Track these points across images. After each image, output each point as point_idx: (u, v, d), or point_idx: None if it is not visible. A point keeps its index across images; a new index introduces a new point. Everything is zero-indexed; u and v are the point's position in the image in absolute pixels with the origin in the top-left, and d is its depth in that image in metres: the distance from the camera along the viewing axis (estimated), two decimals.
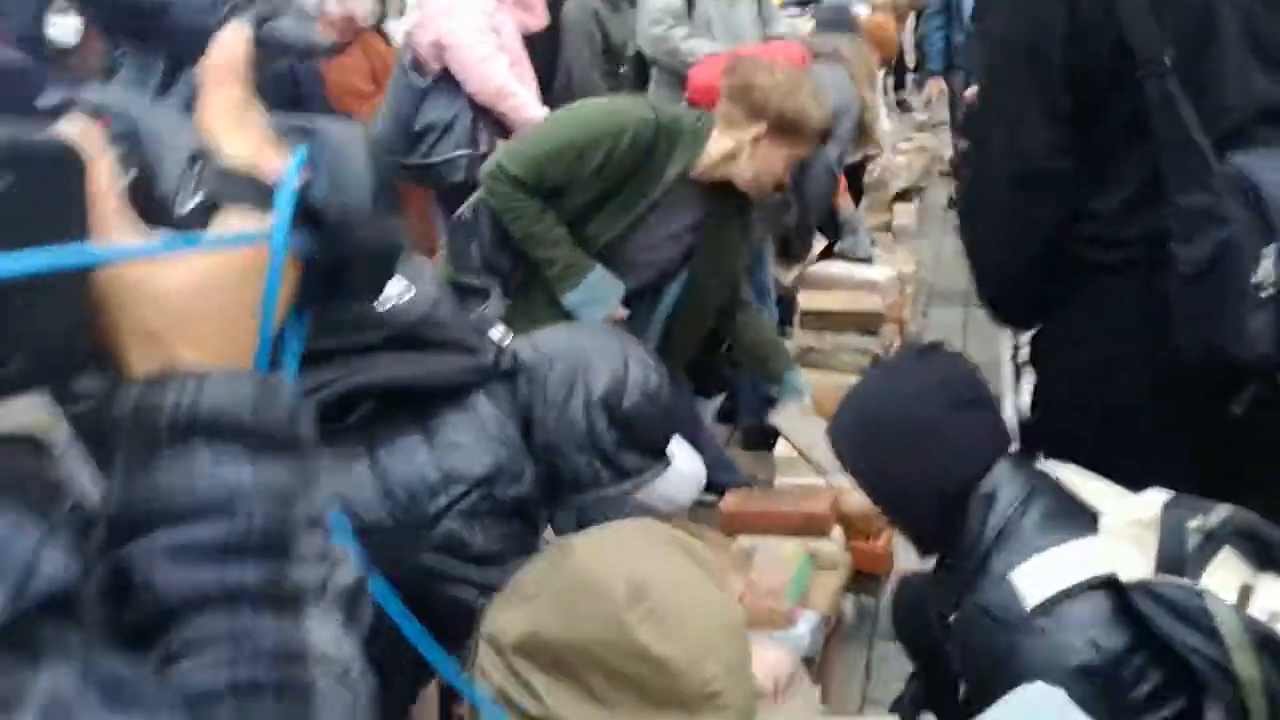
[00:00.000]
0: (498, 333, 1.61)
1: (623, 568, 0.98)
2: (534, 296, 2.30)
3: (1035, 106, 1.55)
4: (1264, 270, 1.44)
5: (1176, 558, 1.35)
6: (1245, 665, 1.25)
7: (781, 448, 2.82)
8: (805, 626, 2.21)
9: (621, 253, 2.35)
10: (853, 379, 3.01)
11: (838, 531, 2.43)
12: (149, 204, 0.48)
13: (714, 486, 2.70)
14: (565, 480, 1.43)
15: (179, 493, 0.47)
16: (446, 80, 3.01)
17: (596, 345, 1.52)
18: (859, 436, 1.61)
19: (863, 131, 3.54)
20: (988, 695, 1.40)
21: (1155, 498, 1.46)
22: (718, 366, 2.86)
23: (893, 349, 3.29)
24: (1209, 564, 1.35)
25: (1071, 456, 1.65)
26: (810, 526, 2.39)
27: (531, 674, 0.98)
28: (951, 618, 1.46)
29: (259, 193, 0.50)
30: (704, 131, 2.32)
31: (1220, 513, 1.40)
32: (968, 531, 1.47)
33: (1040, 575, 1.36)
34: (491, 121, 3.00)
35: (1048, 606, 1.33)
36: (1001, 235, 1.65)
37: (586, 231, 2.32)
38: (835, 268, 3.22)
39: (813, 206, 3.34)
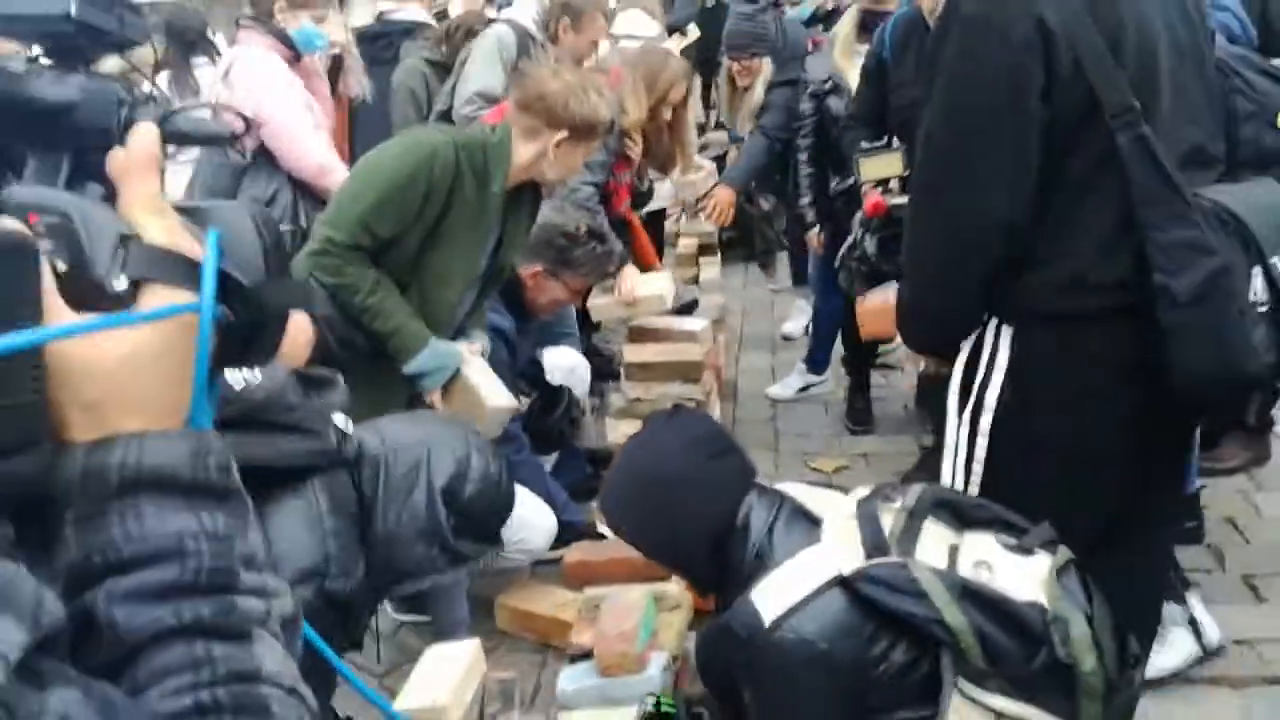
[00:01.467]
0: (340, 419, 1.59)
1: None
2: (383, 366, 2.32)
3: (1010, 164, 1.62)
4: (1256, 289, 1.62)
5: (877, 541, 1.56)
6: (953, 616, 1.47)
7: None
8: (656, 667, 2.29)
9: (467, 274, 2.43)
10: None
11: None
12: (84, 287, 0.53)
13: (565, 530, 2.78)
14: (399, 569, 1.41)
15: (131, 542, 0.52)
16: (264, 156, 2.96)
17: (440, 434, 1.50)
18: (626, 501, 1.76)
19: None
20: (753, 703, 1.56)
21: (855, 495, 1.67)
22: (552, 427, 2.94)
23: (711, 394, 3.47)
24: (919, 536, 1.57)
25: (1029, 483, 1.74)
26: (652, 570, 2.47)
27: None
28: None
29: (183, 270, 0.56)
30: (505, 143, 2.40)
31: (914, 492, 1.64)
32: (734, 562, 1.64)
33: (776, 590, 1.53)
34: (312, 196, 2.97)
35: (783, 619, 1.49)
36: (964, 280, 1.71)
37: (433, 268, 2.36)
38: (656, 321, 3.37)
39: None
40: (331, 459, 1.38)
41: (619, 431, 3.26)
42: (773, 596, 1.52)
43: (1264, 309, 1.63)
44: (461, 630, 2.49)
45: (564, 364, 3.25)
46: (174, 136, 1.03)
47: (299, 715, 0.55)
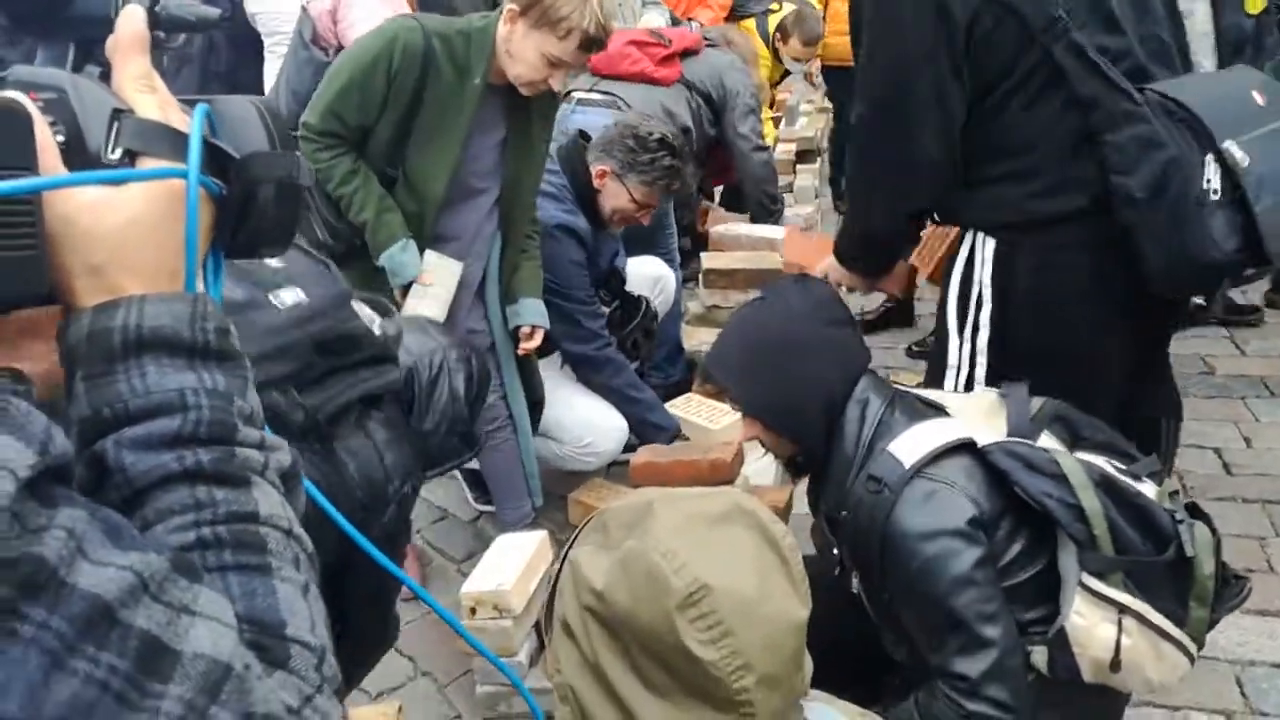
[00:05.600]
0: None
1: (689, 566, 0.97)
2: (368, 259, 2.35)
3: (934, 109, 1.71)
4: (1209, 176, 1.62)
5: (1024, 426, 1.57)
6: (1089, 499, 1.46)
7: (680, 406, 2.96)
8: None
9: (460, 176, 2.36)
10: None
11: (742, 477, 2.58)
12: (82, 160, 0.57)
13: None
14: (435, 457, 1.57)
15: (137, 397, 0.57)
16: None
17: (445, 341, 1.67)
18: (743, 359, 1.72)
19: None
20: (883, 571, 1.54)
21: (988, 390, 1.68)
22: (624, 339, 2.96)
23: None
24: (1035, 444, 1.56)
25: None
26: (716, 474, 2.52)
27: (590, 622, 1.02)
28: (842, 513, 1.59)
29: (174, 142, 0.59)
30: (488, 31, 2.28)
31: (1035, 403, 1.63)
32: (847, 433, 1.63)
33: (913, 443, 1.54)
34: None
35: (923, 465, 1.50)
36: (892, 211, 1.85)
37: (414, 161, 2.31)
38: (737, 228, 3.35)
39: (749, 186, 3.49)
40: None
41: (695, 339, 3.28)
42: (910, 446, 1.53)
43: (1217, 196, 1.64)
44: (523, 524, 2.60)
45: (650, 273, 3.21)
46: (167, 22, 1.07)
47: (294, 554, 0.60)
